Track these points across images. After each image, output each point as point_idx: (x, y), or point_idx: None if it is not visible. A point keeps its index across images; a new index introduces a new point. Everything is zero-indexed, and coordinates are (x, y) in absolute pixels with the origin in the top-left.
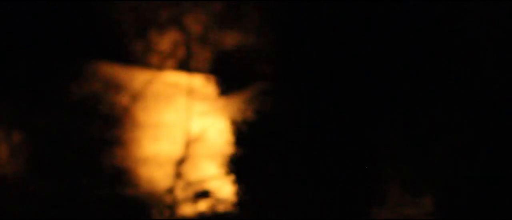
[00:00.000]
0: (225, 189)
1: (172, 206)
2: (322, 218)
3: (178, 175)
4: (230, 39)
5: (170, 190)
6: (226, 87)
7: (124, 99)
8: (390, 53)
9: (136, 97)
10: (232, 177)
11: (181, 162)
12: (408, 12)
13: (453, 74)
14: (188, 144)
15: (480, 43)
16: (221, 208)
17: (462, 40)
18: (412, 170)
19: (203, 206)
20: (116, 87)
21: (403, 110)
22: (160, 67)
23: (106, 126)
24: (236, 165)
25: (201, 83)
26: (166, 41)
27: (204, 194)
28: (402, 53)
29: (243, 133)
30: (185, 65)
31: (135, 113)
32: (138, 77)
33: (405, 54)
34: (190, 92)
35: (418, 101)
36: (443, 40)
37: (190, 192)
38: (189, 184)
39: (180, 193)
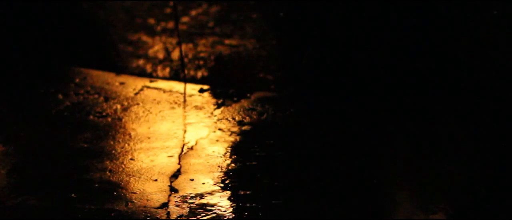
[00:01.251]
0: (223, 204)
1: None
2: None
3: (173, 189)
4: (228, 45)
5: (164, 205)
6: (223, 96)
7: (114, 109)
8: (400, 58)
9: (127, 106)
10: (231, 191)
11: (175, 175)
12: (417, 15)
13: (467, 82)
14: (184, 156)
15: (494, 49)
16: None
17: (474, 46)
18: (424, 184)
19: None
20: (106, 95)
21: (413, 119)
22: (152, 74)
23: (95, 137)
24: (235, 179)
25: (196, 92)
26: (159, 47)
27: (201, 210)
28: (412, 58)
29: (243, 144)
30: (179, 73)
31: (126, 123)
32: (129, 86)
33: (415, 59)
34: (185, 101)
35: (430, 108)
36: (454, 45)
37: (186, 207)
38: (184, 199)
39: (175, 208)
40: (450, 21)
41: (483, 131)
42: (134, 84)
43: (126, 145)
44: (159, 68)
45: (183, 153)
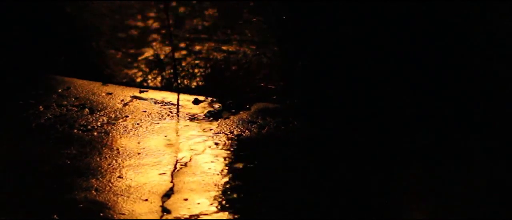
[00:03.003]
0: None
1: None
2: None
3: (165, 210)
4: (225, 51)
5: None
6: (220, 107)
7: (100, 121)
8: (412, 64)
9: (114, 119)
10: (228, 212)
11: (168, 194)
12: (432, 19)
13: (484, 92)
14: (177, 173)
15: None
16: None
17: (491, 53)
18: (439, 200)
19: None
20: (92, 107)
21: (425, 131)
22: (142, 84)
23: (79, 152)
24: (234, 198)
25: (191, 103)
26: (149, 54)
27: None
28: (425, 65)
29: (242, 161)
30: (172, 82)
31: (114, 137)
32: (117, 96)
33: (428, 66)
34: (179, 113)
35: (443, 120)
36: (470, 52)
37: None
38: None
39: None
40: (467, 26)
41: (501, 145)
42: (122, 94)
43: (114, 161)
44: (150, 76)
45: (176, 170)
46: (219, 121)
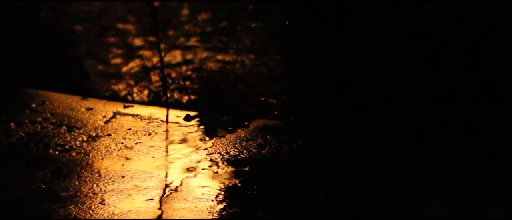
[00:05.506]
0: None
1: None
2: None
3: None
4: (221, 61)
5: None
6: (215, 124)
7: (80, 141)
8: (427, 76)
9: (95, 137)
10: None
11: None
12: (448, 27)
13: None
14: (166, 199)
15: None
16: None
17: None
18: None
19: None
20: (70, 124)
21: (442, 151)
22: (127, 98)
23: (56, 175)
24: None
25: (182, 119)
26: (135, 64)
27: None
28: (440, 76)
29: (239, 185)
30: (160, 96)
31: (95, 158)
32: (98, 112)
33: (442, 77)
34: (168, 131)
35: (461, 137)
36: (491, 66)
37: None
38: None
39: None
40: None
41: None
42: (104, 110)
43: (95, 185)
44: (135, 90)
45: (165, 195)
46: (213, 140)
